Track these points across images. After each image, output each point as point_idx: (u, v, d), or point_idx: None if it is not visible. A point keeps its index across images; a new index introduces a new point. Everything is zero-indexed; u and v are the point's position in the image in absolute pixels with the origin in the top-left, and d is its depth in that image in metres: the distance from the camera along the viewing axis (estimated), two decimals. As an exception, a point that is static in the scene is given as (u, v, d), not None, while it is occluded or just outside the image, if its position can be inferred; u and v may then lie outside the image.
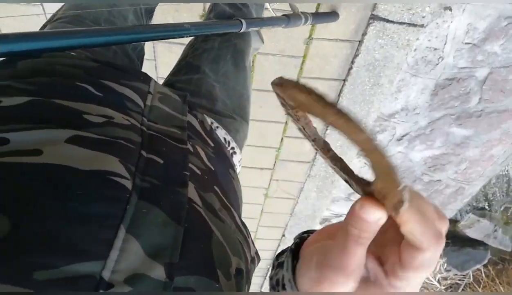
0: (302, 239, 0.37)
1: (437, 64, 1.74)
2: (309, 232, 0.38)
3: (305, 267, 0.33)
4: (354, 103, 1.70)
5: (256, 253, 0.49)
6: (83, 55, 0.57)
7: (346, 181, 0.30)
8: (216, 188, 0.47)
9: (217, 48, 0.82)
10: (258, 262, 0.49)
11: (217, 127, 0.67)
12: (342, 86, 1.65)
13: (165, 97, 0.54)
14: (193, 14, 1.39)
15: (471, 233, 3.37)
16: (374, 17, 1.39)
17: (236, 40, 0.86)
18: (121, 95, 0.48)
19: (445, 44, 1.66)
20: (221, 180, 0.53)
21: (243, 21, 0.82)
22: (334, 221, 3.00)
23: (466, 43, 1.66)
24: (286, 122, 1.83)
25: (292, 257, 0.35)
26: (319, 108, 0.26)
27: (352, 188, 0.29)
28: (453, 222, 3.31)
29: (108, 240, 0.30)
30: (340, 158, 0.31)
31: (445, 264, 3.30)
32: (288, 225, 2.55)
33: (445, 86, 1.84)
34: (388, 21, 1.39)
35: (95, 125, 0.39)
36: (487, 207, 3.30)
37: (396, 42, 1.46)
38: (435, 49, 1.68)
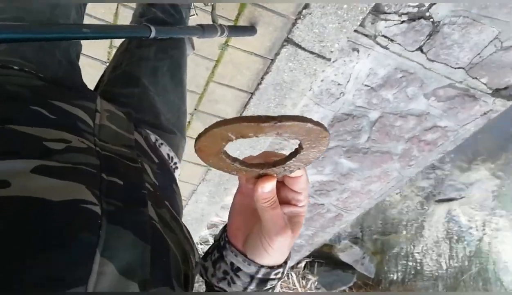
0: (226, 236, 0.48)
1: (338, 98, 1.87)
2: (225, 230, 0.48)
3: (251, 245, 0.44)
4: (258, 118, 1.74)
5: (200, 258, 0.53)
6: (26, 69, 0.55)
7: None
8: (166, 202, 0.50)
9: (153, 58, 0.80)
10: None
11: (162, 144, 0.67)
12: (249, 99, 1.67)
13: (112, 116, 0.55)
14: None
15: (343, 257, 3.68)
16: (288, 40, 1.44)
17: (172, 51, 0.85)
18: (73, 116, 0.48)
19: (348, 81, 1.79)
20: (168, 194, 0.56)
21: (152, 28, 0.77)
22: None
23: (365, 85, 1.81)
24: (188, 122, 1.79)
25: (229, 248, 0.46)
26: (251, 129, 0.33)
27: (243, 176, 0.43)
28: (330, 245, 3.58)
29: (87, 266, 0.32)
30: (243, 161, 0.41)
31: (316, 282, 3.53)
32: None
33: (342, 120, 1.98)
34: (300, 47, 1.45)
35: (56, 153, 0.40)
36: (360, 236, 3.63)
37: (304, 69, 1.52)
38: (339, 84, 1.80)
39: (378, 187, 2.47)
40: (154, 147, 0.63)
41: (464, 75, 1.73)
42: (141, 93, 0.74)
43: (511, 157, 2.58)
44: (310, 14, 1.36)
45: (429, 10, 1.50)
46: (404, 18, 1.53)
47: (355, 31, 1.56)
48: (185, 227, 0.53)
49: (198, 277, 0.53)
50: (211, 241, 3.13)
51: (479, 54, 1.64)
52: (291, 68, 1.53)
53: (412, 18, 1.53)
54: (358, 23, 1.39)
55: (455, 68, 1.70)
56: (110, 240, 0.35)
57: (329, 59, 1.50)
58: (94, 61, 1.57)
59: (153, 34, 0.78)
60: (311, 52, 1.47)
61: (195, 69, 1.55)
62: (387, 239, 3.65)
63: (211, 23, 1.10)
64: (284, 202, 0.43)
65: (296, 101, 1.67)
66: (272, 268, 0.45)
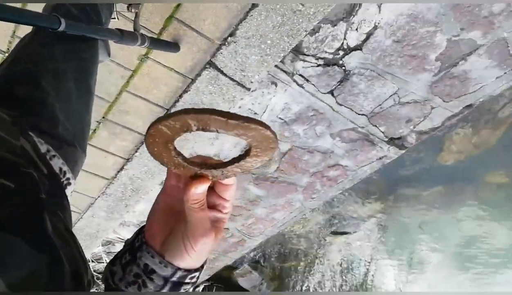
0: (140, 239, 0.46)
1: (253, 126, 1.91)
2: (140, 232, 0.47)
3: (171, 246, 0.43)
4: (171, 136, 1.69)
5: (92, 276, 0.49)
6: None
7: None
8: (59, 213, 0.47)
9: (59, 59, 0.73)
10: (94, 284, 0.49)
11: (54, 156, 0.60)
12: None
13: None
14: None
15: (242, 282, 3.69)
16: (211, 64, 1.45)
17: (82, 53, 0.78)
18: None
19: (264, 112, 1.85)
20: (59, 208, 0.52)
21: (62, 20, 0.71)
22: (118, 245, 2.83)
23: (279, 118, 1.88)
24: (94, 130, 1.67)
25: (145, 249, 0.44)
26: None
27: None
28: (231, 268, 3.57)
29: None
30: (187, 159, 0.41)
31: (211, 308, 3.47)
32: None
33: (254, 147, 2.03)
34: (222, 73, 1.47)
35: None
36: (261, 262, 3.69)
37: (223, 94, 1.53)
38: (255, 113, 1.85)
39: (281, 215, 2.55)
40: (43, 157, 0.57)
41: (366, 121, 1.90)
42: (39, 97, 0.66)
43: (397, 197, 2.87)
44: (235, 42, 1.38)
45: (343, 59, 1.63)
46: (321, 62, 1.64)
47: (276, 66, 1.63)
48: (78, 242, 0.50)
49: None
50: (105, 258, 2.92)
51: (380, 105, 1.81)
52: (211, 91, 1.53)
53: (327, 63, 1.65)
54: (279, 60, 1.46)
55: (359, 114, 1.86)
56: (1, 251, 0.32)
57: (248, 89, 1.54)
58: (-9, 48, 1.40)
59: (62, 27, 0.72)
60: (232, 79, 1.49)
61: (108, 75, 1.47)
62: (287, 266, 3.76)
63: (132, 30, 1.06)
64: (209, 206, 0.44)
65: (212, 124, 1.66)
66: (188, 271, 0.44)
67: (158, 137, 0.36)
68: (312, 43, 1.57)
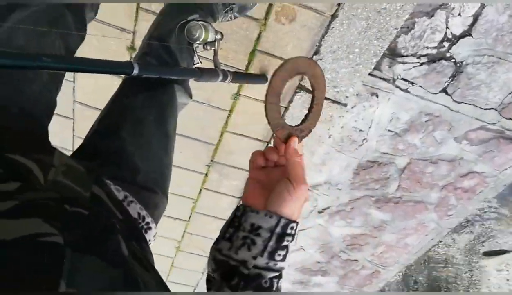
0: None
1: (361, 145, 1.78)
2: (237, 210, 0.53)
3: (273, 198, 0.49)
4: (276, 168, 1.68)
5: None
6: None
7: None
8: (135, 244, 0.49)
9: (139, 107, 0.77)
10: None
11: (132, 201, 0.63)
12: (265, 148, 1.62)
13: (69, 170, 0.53)
14: (120, 42, 1.34)
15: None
16: (301, 87, 1.41)
17: (160, 97, 0.81)
18: (25, 169, 0.46)
19: (369, 127, 1.71)
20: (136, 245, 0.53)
21: (135, 65, 0.75)
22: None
23: (389, 131, 1.72)
24: (206, 174, 1.76)
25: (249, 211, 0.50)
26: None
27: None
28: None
29: None
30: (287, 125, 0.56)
31: None
32: (199, 285, 2.39)
33: (367, 167, 1.88)
34: (314, 93, 1.41)
35: (7, 195, 0.39)
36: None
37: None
38: (360, 130, 1.73)
39: (415, 240, 2.27)
40: (119, 203, 0.60)
41: (497, 116, 1.60)
42: (118, 146, 0.70)
43: None
44: (321, 59, 1.33)
45: (450, 51, 1.43)
46: (423, 60, 1.46)
47: (372, 75, 1.51)
48: (161, 277, 0.49)
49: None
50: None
51: (510, 93, 1.52)
52: (306, 115, 1.48)
53: (432, 60, 1.46)
54: (372, 66, 1.34)
55: (486, 109, 1.58)
56: (75, 268, 0.34)
57: (345, 105, 1.45)
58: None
59: (135, 72, 0.75)
60: (325, 98, 1.43)
61: (209, 119, 1.54)
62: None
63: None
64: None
65: (314, 149, 1.60)
66: (289, 220, 0.48)
67: (275, 87, 0.52)
68: (409, 42, 1.42)
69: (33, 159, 0.48)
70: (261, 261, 0.47)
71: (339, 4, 1.21)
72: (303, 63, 0.53)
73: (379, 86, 1.55)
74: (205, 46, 1.06)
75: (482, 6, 1.31)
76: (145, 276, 0.42)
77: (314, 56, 1.33)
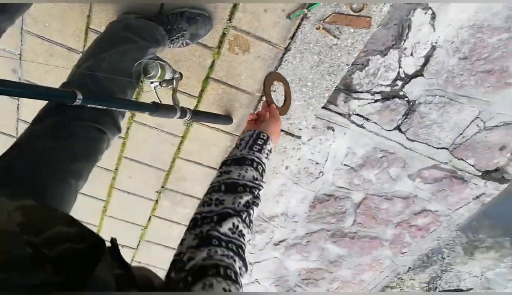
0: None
1: (318, 178, 1.77)
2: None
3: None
4: (229, 197, 1.63)
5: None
6: None
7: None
8: None
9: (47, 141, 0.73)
10: None
11: None
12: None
13: None
14: (68, 62, 1.29)
15: None
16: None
17: (78, 130, 0.77)
18: None
19: (326, 160, 1.70)
20: None
21: (78, 93, 0.71)
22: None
23: (345, 165, 1.72)
24: (156, 201, 1.69)
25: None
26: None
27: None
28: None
29: None
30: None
31: None
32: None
33: (323, 201, 1.86)
34: (268, 124, 1.39)
35: None
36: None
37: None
38: (317, 163, 1.72)
39: (370, 276, 2.25)
40: None
41: (449, 156, 1.63)
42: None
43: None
44: (274, 91, 1.31)
45: (403, 89, 1.46)
46: (378, 97, 1.48)
47: (328, 109, 1.51)
48: None
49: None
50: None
51: (461, 134, 1.55)
52: (260, 145, 1.45)
53: (386, 97, 1.48)
54: (325, 101, 1.34)
55: (438, 148, 1.61)
56: None
57: (298, 137, 1.43)
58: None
59: (79, 102, 0.71)
60: (281, 130, 1.41)
61: (161, 145, 1.49)
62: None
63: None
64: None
65: (269, 180, 1.57)
66: (261, 132, 0.80)
67: (268, 82, 0.99)
68: (363, 79, 1.44)
69: None
70: (244, 151, 0.74)
71: (291, 38, 1.21)
72: (278, 75, 1.10)
73: (335, 120, 1.56)
74: (161, 84, 1.04)
75: (433, 48, 1.35)
76: None
77: (268, 87, 1.31)
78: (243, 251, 0.56)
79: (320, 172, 1.75)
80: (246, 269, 0.55)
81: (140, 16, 1.14)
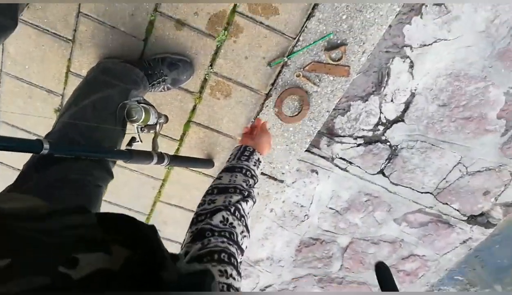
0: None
1: (303, 221, 1.74)
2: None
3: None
4: (212, 242, 1.59)
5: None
6: None
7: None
8: None
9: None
10: None
11: None
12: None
13: None
14: (47, 104, 1.28)
15: None
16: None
17: (72, 176, 0.76)
18: None
19: (311, 203, 1.68)
20: None
21: (44, 142, 0.68)
22: None
23: (330, 208, 1.69)
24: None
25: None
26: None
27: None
28: None
29: None
30: None
31: None
32: None
33: (309, 244, 1.82)
34: (250, 168, 1.38)
35: None
36: None
37: (256, 190, 1.43)
38: (302, 206, 1.69)
39: (360, 323, 2.17)
40: None
41: (433, 200, 1.62)
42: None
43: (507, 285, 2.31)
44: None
45: (385, 134, 1.47)
46: (360, 141, 1.48)
47: (311, 152, 1.51)
48: None
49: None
50: None
51: (444, 178, 1.55)
52: (243, 189, 1.43)
53: (368, 142, 1.49)
54: (307, 145, 1.34)
55: (422, 192, 1.60)
56: None
57: (281, 181, 1.42)
58: None
59: (46, 151, 0.69)
60: (262, 174, 1.40)
61: (142, 188, 1.47)
62: None
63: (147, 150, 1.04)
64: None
65: (252, 224, 1.54)
66: (247, 146, 0.89)
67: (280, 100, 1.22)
68: (345, 123, 1.45)
69: None
70: (233, 161, 0.83)
71: (272, 84, 1.23)
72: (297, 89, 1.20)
73: (319, 163, 1.55)
74: (142, 129, 1.02)
75: (413, 95, 1.37)
76: None
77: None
78: (236, 237, 0.61)
79: (305, 215, 1.72)
80: (242, 252, 0.61)
81: (122, 61, 1.15)
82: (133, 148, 0.98)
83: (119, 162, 1.40)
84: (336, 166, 1.56)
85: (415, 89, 1.36)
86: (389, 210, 1.68)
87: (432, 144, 1.47)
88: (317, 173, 1.59)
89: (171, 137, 1.35)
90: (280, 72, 1.21)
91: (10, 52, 1.20)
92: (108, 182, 0.90)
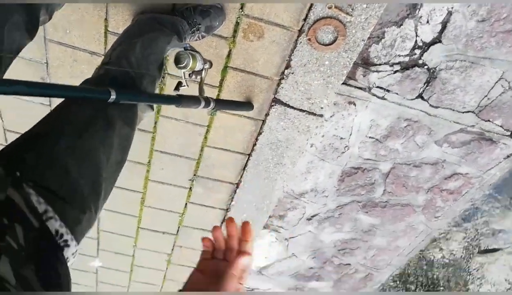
0: None
1: (344, 152, 1.79)
2: None
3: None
4: (259, 179, 1.69)
5: None
6: None
7: None
8: (33, 267, 0.47)
9: (85, 114, 0.72)
10: None
11: (51, 218, 0.58)
12: (247, 161, 1.63)
13: None
14: (91, 66, 1.36)
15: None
16: (276, 100, 1.42)
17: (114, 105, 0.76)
18: None
19: (350, 135, 1.72)
20: (42, 263, 0.51)
21: (112, 91, 0.72)
22: None
23: (369, 137, 1.73)
24: (190, 189, 1.77)
25: None
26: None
27: None
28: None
29: None
30: None
31: None
32: None
33: (351, 174, 1.89)
34: (289, 106, 1.42)
35: None
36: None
37: (297, 127, 1.48)
38: (342, 138, 1.74)
39: (405, 242, 2.28)
40: (35, 212, 0.55)
41: (475, 118, 1.61)
42: (49, 152, 0.63)
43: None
44: (292, 73, 1.34)
45: (422, 57, 1.44)
46: (397, 67, 1.47)
47: (347, 85, 1.52)
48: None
49: None
50: None
51: (486, 96, 1.53)
52: (284, 127, 1.49)
53: (405, 67, 1.47)
54: (344, 78, 1.35)
55: (463, 112, 1.59)
56: None
57: (321, 116, 1.46)
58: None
59: (113, 99, 0.74)
60: (301, 110, 1.44)
61: (188, 135, 1.56)
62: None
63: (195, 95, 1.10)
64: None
65: (295, 159, 1.61)
66: None
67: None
68: (380, 51, 1.43)
69: None
70: None
71: (304, 19, 1.22)
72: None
73: (356, 95, 1.57)
74: (190, 75, 1.08)
75: (450, 13, 1.32)
76: None
77: (285, 70, 1.34)
78: None
79: (346, 147, 1.77)
80: None
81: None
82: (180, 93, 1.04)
83: (166, 113, 1.49)
84: (374, 95, 1.56)
85: (451, 7, 1.31)
86: (430, 133, 1.69)
87: (472, 63, 1.44)
88: (354, 104, 1.61)
89: (210, 85, 1.40)
90: (311, 6, 1.20)
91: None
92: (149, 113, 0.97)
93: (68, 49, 1.33)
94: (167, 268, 2.20)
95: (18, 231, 0.49)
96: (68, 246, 0.60)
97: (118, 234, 2.00)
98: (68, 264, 0.61)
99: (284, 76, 1.36)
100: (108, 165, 0.73)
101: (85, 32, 1.28)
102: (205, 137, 1.57)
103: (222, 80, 1.39)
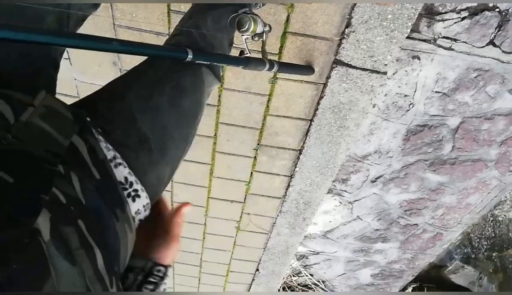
0: None
1: (408, 110, 1.74)
2: None
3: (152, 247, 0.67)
4: (322, 143, 1.70)
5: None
6: None
7: None
8: (80, 222, 0.43)
9: (160, 75, 0.74)
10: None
11: (120, 164, 0.57)
12: (309, 126, 1.64)
13: (50, 113, 0.48)
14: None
15: (456, 279, 3.28)
16: (337, 62, 1.40)
17: (185, 73, 0.78)
18: None
19: (415, 91, 1.66)
20: (95, 216, 0.47)
21: (189, 51, 0.77)
22: (312, 258, 2.94)
23: (436, 92, 1.66)
24: (255, 157, 1.82)
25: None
26: None
27: None
28: (439, 267, 3.23)
29: None
30: None
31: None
32: (262, 260, 2.50)
33: (417, 132, 1.83)
34: (351, 66, 1.40)
35: None
36: (472, 255, 3.22)
37: (360, 87, 1.46)
38: (406, 95, 1.69)
39: (477, 199, 2.20)
40: (101, 162, 0.53)
41: (556, 61, 1.49)
42: (121, 105, 0.64)
43: None
44: (353, 31, 1.31)
45: None
46: (464, 14, 1.39)
47: (411, 38, 1.46)
48: (110, 262, 0.46)
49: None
50: (304, 272, 3.07)
51: None
52: (346, 88, 1.48)
53: (474, 13, 1.38)
54: (408, 30, 1.30)
55: (542, 55, 1.47)
56: None
57: (384, 73, 1.42)
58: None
59: (190, 58, 0.79)
60: (364, 69, 1.41)
61: (250, 106, 1.59)
62: (506, 255, 3.18)
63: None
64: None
65: (359, 121, 1.59)
66: (157, 263, 0.63)
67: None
68: (446, -2, 1.35)
69: (3, 96, 0.45)
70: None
71: (365, -26, 1.19)
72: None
73: (420, 48, 1.50)
74: (253, 37, 1.10)
75: None
76: (62, 268, 0.37)
77: (346, 29, 1.32)
78: None
79: (410, 104, 1.72)
80: None
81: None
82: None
83: (228, 86, 1.53)
84: (440, 46, 1.49)
85: None
86: (503, 82, 1.59)
87: (553, -2, 1.32)
88: (418, 58, 1.55)
89: (270, 52, 1.41)
90: (371, -42, 1.16)
91: (117, 4, 1.32)
92: (217, 84, 1.00)
93: (136, 33, 1.39)
94: (236, 235, 2.30)
95: (74, 180, 0.46)
96: (138, 196, 0.58)
97: (191, 205, 2.12)
98: (140, 217, 0.60)
99: (345, 36, 1.33)
100: (176, 128, 0.72)
101: (149, 14, 1.34)
102: (267, 106, 1.60)
103: (281, 47, 1.40)
